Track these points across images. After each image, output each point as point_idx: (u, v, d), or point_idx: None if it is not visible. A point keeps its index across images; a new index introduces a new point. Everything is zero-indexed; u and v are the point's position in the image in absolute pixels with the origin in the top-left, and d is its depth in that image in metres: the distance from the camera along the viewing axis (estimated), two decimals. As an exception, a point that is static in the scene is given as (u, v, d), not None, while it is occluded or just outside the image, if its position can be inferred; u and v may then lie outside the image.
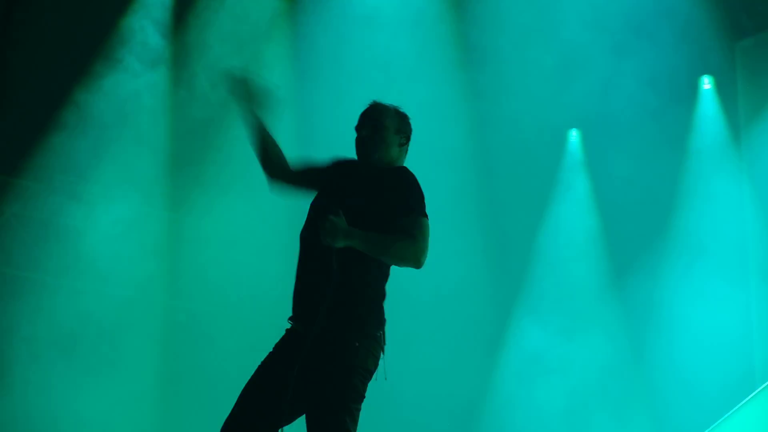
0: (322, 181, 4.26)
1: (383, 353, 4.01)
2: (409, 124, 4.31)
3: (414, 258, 3.93)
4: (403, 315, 8.90)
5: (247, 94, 4.27)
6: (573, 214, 10.16)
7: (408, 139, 4.29)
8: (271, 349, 4.04)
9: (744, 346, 9.23)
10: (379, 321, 4.02)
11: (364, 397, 3.94)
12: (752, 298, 9.40)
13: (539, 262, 10.14)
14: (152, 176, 9.29)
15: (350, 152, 4.35)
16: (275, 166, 4.33)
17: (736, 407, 8.34)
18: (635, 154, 9.69)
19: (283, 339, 4.04)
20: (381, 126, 4.20)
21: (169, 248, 9.28)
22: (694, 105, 9.90)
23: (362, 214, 3.96)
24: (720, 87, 9.85)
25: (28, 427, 8.33)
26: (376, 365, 3.99)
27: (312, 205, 4.20)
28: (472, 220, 9.94)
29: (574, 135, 10.40)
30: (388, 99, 4.48)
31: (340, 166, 4.29)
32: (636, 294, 9.61)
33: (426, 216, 4.01)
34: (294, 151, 4.45)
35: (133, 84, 9.10)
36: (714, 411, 8.47)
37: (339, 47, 9.58)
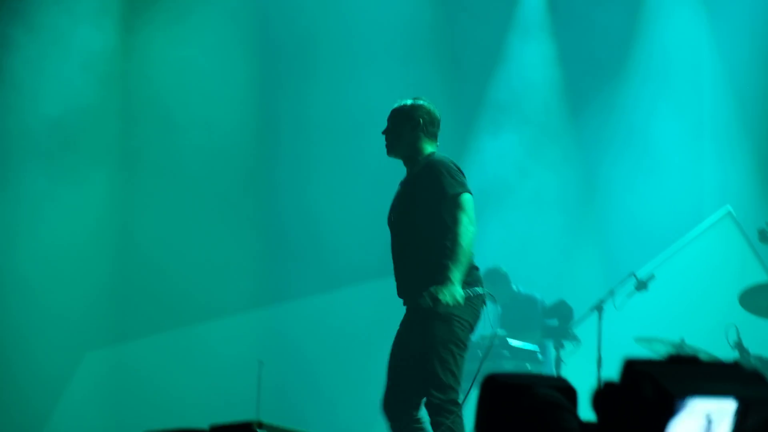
0: None
1: (485, 306, 4.68)
2: (416, 109, 4.83)
3: (474, 232, 4.56)
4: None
5: None
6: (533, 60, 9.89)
7: (419, 120, 4.80)
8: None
9: (696, 167, 9.73)
10: (474, 279, 4.65)
11: (467, 346, 4.60)
12: (705, 115, 9.88)
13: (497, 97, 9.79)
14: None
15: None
16: None
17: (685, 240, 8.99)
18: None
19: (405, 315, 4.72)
20: (390, 126, 4.85)
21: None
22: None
23: (412, 214, 4.69)
24: None
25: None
26: (475, 317, 4.64)
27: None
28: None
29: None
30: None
31: None
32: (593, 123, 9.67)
33: (461, 191, 4.59)
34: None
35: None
36: (660, 245, 9.09)
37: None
